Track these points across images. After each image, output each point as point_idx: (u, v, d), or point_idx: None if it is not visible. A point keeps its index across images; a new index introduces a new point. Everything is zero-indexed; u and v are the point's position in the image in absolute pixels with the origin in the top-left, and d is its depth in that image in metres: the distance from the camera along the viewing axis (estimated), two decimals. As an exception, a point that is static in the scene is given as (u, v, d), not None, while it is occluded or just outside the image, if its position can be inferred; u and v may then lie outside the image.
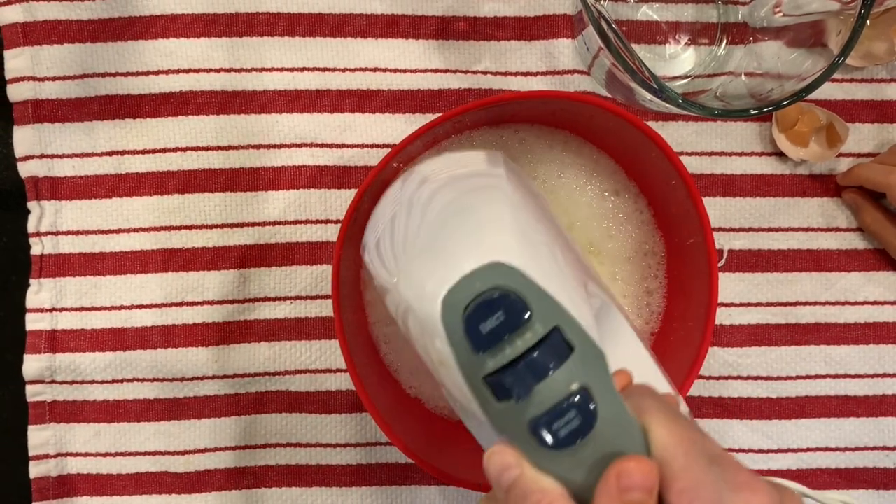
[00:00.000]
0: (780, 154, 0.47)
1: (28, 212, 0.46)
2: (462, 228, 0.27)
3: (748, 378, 0.47)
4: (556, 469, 0.24)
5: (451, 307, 0.25)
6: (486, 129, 0.43)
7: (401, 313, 0.28)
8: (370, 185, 0.36)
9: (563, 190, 0.43)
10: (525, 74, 0.46)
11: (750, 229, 0.47)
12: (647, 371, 0.30)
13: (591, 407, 0.23)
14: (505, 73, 0.46)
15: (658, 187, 0.42)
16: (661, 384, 0.32)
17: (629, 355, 0.31)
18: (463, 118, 0.37)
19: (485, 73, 0.46)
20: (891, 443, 0.47)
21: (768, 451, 0.47)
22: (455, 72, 0.46)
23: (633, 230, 0.44)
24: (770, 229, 0.47)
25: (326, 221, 0.46)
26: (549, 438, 0.23)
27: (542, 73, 0.46)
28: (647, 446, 0.24)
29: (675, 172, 0.38)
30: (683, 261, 0.42)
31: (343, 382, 0.46)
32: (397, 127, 0.46)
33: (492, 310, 0.24)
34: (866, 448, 0.47)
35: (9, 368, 0.46)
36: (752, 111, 0.36)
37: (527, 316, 0.24)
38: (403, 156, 0.37)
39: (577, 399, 0.23)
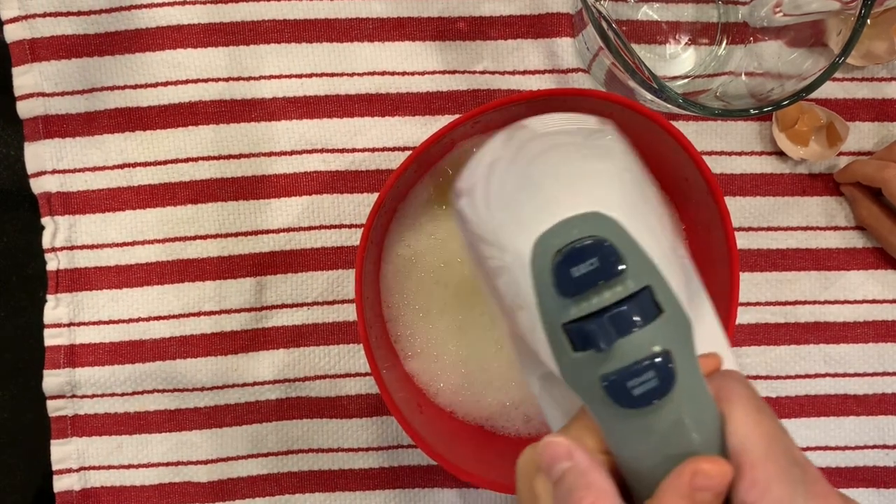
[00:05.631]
0: (780, 153, 0.47)
1: (35, 219, 0.46)
2: (565, 176, 0.26)
3: (747, 377, 0.46)
4: (620, 430, 0.24)
5: (544, 249, 0.24)
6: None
7: (486, 254, 0.27)
8: (391, 189, 0.36)
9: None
10: (524, 73, 0.46)
11: (749, 228, 0.47)
12: (723, 353, 0.29)
13: (671, 372, 0.23)
14: (503, 73, 0.46)
15: (678, 186, 0.42)
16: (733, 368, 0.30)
17: (707, 332, 0.29)
18: (479, 119, 0.37)
19: (484, 72, 0.46)
20: (891, 441, 0.47)
21: (767, 450, 0.47)
22: (459, 73, 0.46)
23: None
24: (770, 228, 0.47)
25: (340, 226, 0.46)
26: (622, 395, 0.23)
27: (543, 72, 0.46)
28: (720, 431, 0.23)
29: (697, 173, 0.38)
30: (704, 260, 0.42)
31: (363, 386, 0.46)
32: (407, 130, 0.46)
33: (585, 256, 0.23)
34: (866, 447, 0.47)
35: (9, 368, 0.47)
36: (752, 111, 0.36)
37: (620, 268, 0.23)
38: (421, 160, 0.37)
39: (658, 360, 0.23)
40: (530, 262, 0.24)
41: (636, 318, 0.23)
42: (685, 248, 0.29)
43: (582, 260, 0.23)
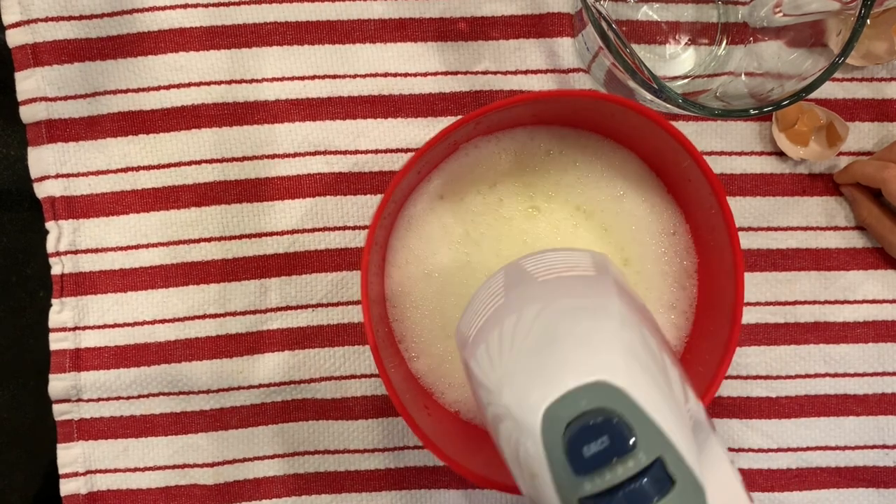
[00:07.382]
0: (779, 153, 0.47)
1: (35, 219, 0.46)
2: (570, 340, 0.26)
3: (747, 377, 0.47)
4: None
5: (553, 421, 0.24)
6: (504, 131, 0.43)
7: (496, 415, 0.27)
8: (394, 190, 0.36)
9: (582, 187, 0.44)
10: (525, 73, 0.46)
11: (749, 229, 0.47)
12: (737, 495, 0.29)
13: None
14: (504, 73, 0.46)
15: (680, 188, 0.42)
16: None
17: (720, 482, 0.29)
18: (481, 120, 0.37)
19: (485, 72, 0.46)
20: (890, 441, 0.47)
21: (768, 450, 0.47)
22: (461, 73, 0.46)
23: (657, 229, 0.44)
24: (770, 228, 0.47)
25: (344, 228, 0.46)
26: None
27: (544, 72, 0.46)
28: None
29: (700, 174, 0.38)
30: (709, 260, 0.42)
31: (368, 388, 0.46)
32: (410, 131, 0.46)
33: (596, 434, 0.24)
34: (866, 447, 0.47)
35: (9, 368, 0.47)
36: (752, 111, 0.36)
37: (631, 443, 0.23)
38: (424, 161, 0.37)
39: None
40: (541, 434, 0.25)
41: (650, 493, 0.23)
42: (688, 383, 0.30)
43: (593, 438, 0.24)
